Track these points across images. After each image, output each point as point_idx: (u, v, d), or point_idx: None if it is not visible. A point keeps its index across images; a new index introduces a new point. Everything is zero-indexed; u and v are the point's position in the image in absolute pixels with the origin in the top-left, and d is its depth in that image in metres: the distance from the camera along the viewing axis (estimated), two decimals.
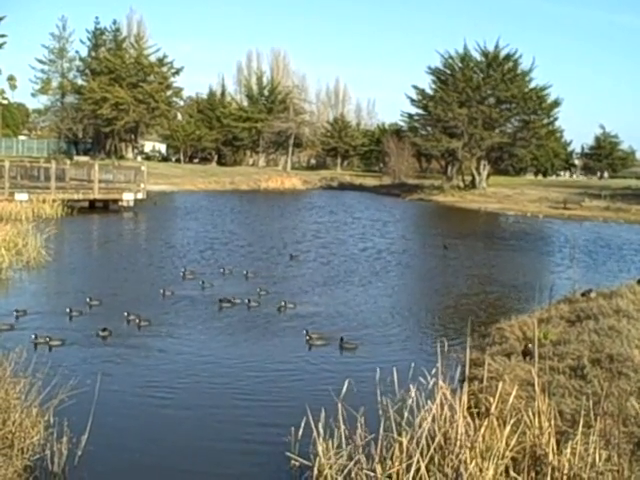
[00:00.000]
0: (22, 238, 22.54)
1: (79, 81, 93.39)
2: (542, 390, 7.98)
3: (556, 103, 69.37)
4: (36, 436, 8.41)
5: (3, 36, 50.09)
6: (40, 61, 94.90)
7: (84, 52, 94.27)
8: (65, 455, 8.20)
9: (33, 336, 12.93)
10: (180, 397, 10.79)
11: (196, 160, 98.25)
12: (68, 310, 15.15)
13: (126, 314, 14.85)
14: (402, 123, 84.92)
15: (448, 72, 72.04)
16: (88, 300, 16.22)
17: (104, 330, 13.70)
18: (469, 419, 7.56)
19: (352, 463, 7.44)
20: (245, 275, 20.92)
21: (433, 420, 7.52)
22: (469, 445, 7.13)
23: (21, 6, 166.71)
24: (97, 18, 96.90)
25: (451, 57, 71.83)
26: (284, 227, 37.38)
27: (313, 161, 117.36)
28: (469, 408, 7.92)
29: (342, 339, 13.88)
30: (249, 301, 16.97)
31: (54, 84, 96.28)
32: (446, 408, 7.64)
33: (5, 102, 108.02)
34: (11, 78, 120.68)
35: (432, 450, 7.24)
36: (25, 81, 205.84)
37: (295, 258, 25.45)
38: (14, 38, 79.34)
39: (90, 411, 8.79)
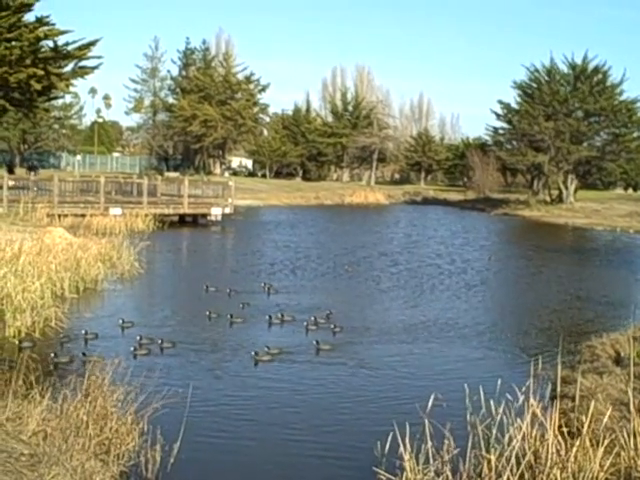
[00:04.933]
0: (116, 251, 23.16)
1: (170, 99, 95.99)
2: (637, 410, 7.77)
3: None
4: (131, 443, 8.63)
5: (99, 57, 51.91)
6: (134, 81, 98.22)
7: (175, 71, 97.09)
8: (158, 462, 8.37)
9: (53, 354, 12.75)
10: (261, 416, 10.78)
11: (281, 175, 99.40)
12: (84, 332, 14.46)
13: (138, 338, 14.06)
14: (487, 137, 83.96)
15: (534, 86, 70.79)
16: (120, 322, 15.49)
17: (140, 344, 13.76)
18: (560, 438, 7.42)
19: (440, 479, 7.41)
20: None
21: (523, 438, 7.41)
22: (561, 465, 7.01)
23: (116, 28, 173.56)
24: (188, 38, 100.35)
25: (537, 70, 70.61)
26: (376, 240, 37.66)
27: (397, 176, 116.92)
28: (560, 427, 7.77)
29: (317, 342, 14.35)
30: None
31: (146, 102, 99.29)
32: (536, 426, 7.53)
33: (101, 120, 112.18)
34: (106, 97, 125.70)
35: (522, 468, 7.14)
36: (119, 100, 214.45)
37: (350, 267, 25.90)
38: (109, 59, 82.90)
39: (182, 420, 9.03)
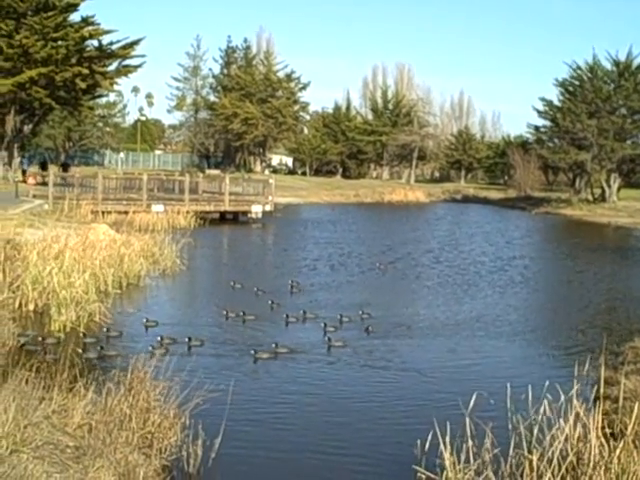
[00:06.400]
0: (158, 247, 23.38)
1: (211, 97, 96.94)
2: None
3: None
4: (173, 437, 8.73)
5: (143, 56, 52.68)
6: (176, 79, 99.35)
7: (217, 70, 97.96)
8: (200, 457, 8.42)
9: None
10: (301, 413, 10.82)
11: (321, 173, 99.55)
12: (106, 330, 14.52)
13: (159, 338, 13.85)
14: (528, 135, 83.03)
15: (577, 83, 69.82)
16: (145, 321, 15.48)
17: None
18: (603, 440, 7.33)
19: (481, 479, 7.37)
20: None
21: (565, 439, 7.34)
22: (604, 467, 6.93)
23: (159, 27, 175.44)
24: (229, 37, 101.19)
25: (579, 68, 69.56)
26: (417, 237, 37.72)
27: (437, 174, 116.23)
28: (603, 428, 7.68)
29: (330, 339, 14.35)
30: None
31: (188, 101, 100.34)
32: (578, 427, 7.45)
33: (143, 118, 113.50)
34: (149, 96, 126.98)
35: (564, 470, 7.08)
36: (162, 98, 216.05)
37: (383, 265, 25.79)
38: (152, 58, 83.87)
39: (223, 416, 9.12)
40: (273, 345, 13.68)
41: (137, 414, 8.75)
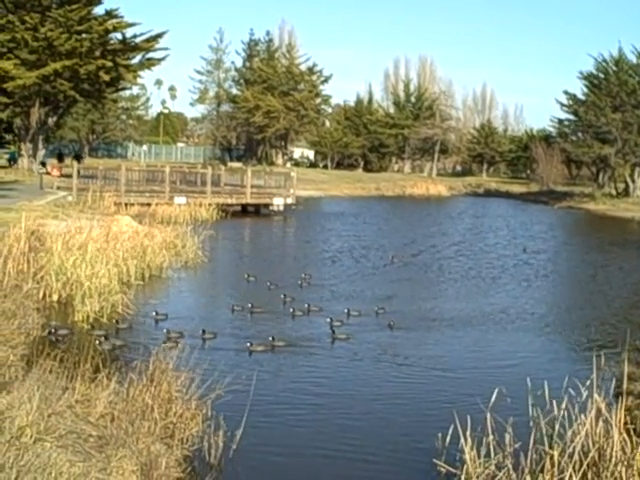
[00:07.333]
0: (180, 240, 23.49)
1: (234, 90, 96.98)
2: None
3: None
4: (195, 428, 8.78)
5: (166, 49, 52.78)
6: (198, 72, 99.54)
7: (239, 62, 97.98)
8: (221, 448, 8.47)
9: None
10: (320, 406, 10.83)
11: (343, 166, 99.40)
12: (115, 322, 14.50)
13: (165, 330, 13.81)
14: (551, 129, 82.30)
15: (601, 76, 68.99)
16: (154, 314, 15.39)
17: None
18: (625, 436, 7.28)
19: (501, 473, 7.35)
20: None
21: (587, 434, 7.30)
22: (626, 463, 6.88)
23: (182, 20, 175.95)
24: (252, 30, 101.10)
25: (605, 60, 68.67)
26: (440, 231, 37.64)
27: (458, 167, 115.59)
28: (625, 424, 7.63)
29: (334, 331, 14.37)
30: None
31: (211, 94, 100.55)
32: (600, 423, 7.40)
33: (166, 111, 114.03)
34: (172, 89, 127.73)
35: (585, 466, 7.04)
36: (184, 91, 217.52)
37: (397, 257, 25.63)
38: (175, 51, 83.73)
39: (244, 407, 9.15)
40: (270, 338, 13.60)
41: (159, 404, 8.81)
